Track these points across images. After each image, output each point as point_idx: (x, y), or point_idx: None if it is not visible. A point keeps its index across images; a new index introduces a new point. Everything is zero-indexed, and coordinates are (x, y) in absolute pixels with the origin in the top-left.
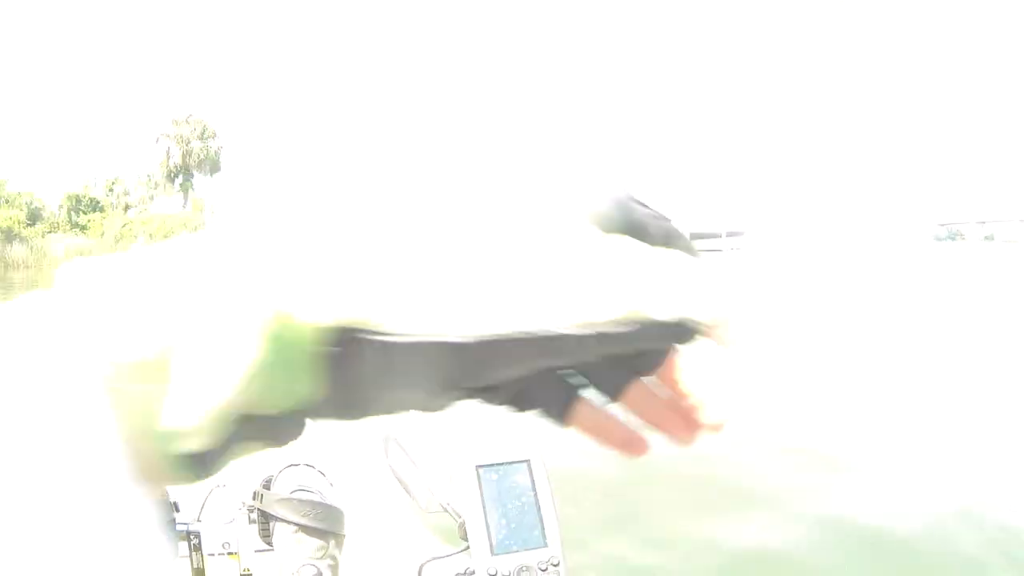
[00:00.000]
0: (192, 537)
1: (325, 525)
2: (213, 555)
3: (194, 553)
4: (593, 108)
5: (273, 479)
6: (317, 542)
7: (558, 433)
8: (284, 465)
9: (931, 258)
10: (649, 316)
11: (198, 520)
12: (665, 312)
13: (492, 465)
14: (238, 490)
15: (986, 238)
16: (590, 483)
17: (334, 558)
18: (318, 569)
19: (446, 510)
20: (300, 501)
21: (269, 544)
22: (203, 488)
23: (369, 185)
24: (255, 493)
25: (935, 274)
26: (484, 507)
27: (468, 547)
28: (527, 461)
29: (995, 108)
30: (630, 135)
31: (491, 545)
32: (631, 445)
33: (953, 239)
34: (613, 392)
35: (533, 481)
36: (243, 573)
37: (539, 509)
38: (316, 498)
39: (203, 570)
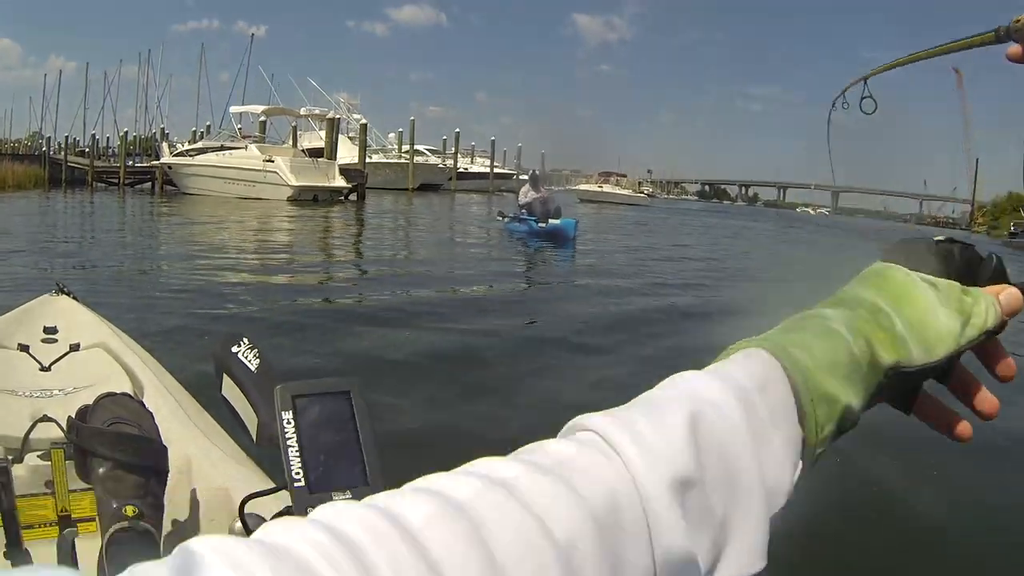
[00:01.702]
0: (0, 476)
1: (145, 460)
2: (26, 496)
3: (3, 492)
4: None
5: (90, 410)
6: (137, 479)
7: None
8: (101, 395)
9: None
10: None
11: (19, 458)
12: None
13: (309, 395)
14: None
15: None
16: None
17: (155, 496)
18: (138, 508)
19: (275, 444)
20: (117, 434)
21: (88, 481)
22: (24, 421)
23: None
24: (71, 426)
25: None
26: (301, 441)
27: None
28: (347, 392)
29: None
30: None
31: (309, 483)
32: (959, 431)
33: None
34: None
35: (354, 414)
36: (60, 513)
37: (360, 445)
38: (134, 431)
39: (14, 510)
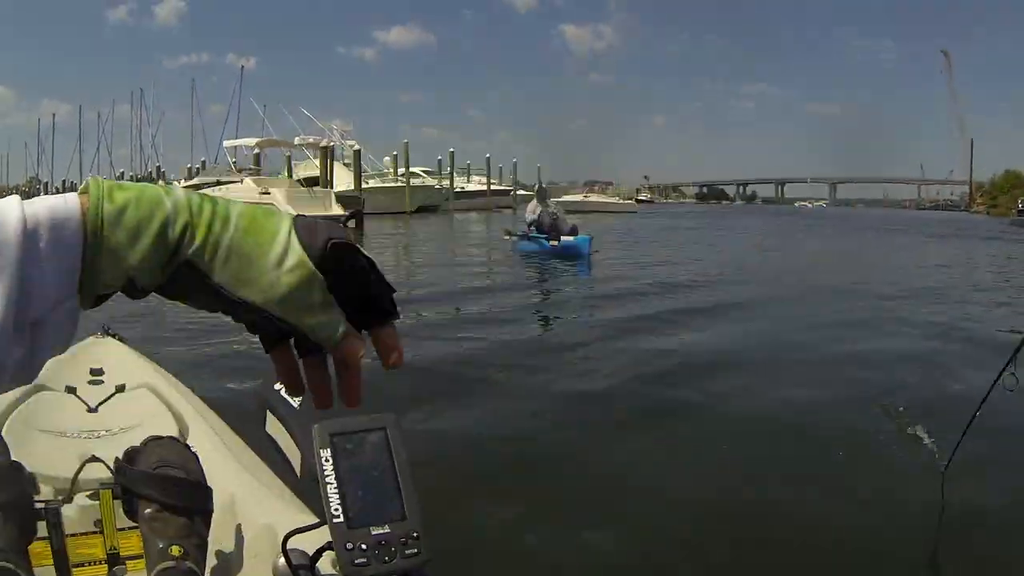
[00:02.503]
0: (51, 516)
1: (190, 503)
2: (76, 535)
3: (53, 532)
4: None
5: (136, 453)
6: (182, 520)
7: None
8: (147, 438)
9: None
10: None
11: (68, 499)
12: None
13: (346, 433)
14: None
15: None
16: None
17: (200, 536)
18: (183, 548)
19: (317, 480)
20: (164, 477)
21: (135, 521)
22: (73, 462)
23: None
24: (118, 467)
25: None
26: (340, 478)
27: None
28: (383, 428)
29: None
30: None
31: (348, 518)
32: (320, 396)
33: None
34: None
35: (391, 449)
36: (109, 552)
37: (397, 479)
38: (180, 474)
39: (64, 550)
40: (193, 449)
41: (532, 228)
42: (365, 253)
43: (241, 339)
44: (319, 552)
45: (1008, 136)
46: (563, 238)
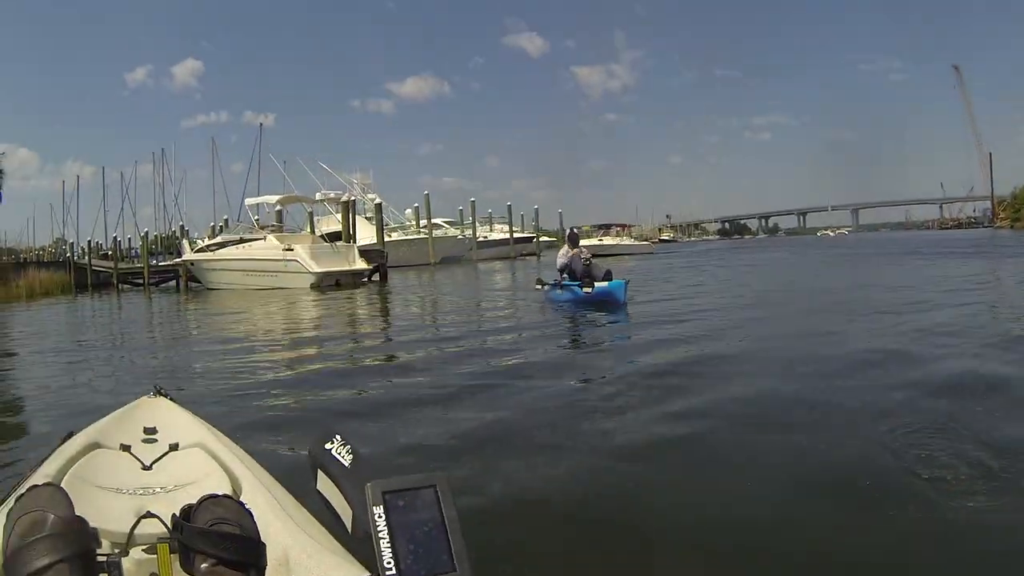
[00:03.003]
0: (113, 569)
1: (245, 558)
2: None
3: None
4: None
5: (193, 510)
6: (238, 574)
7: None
8: (203, 496)
9: None
10: None
11: (124, 552)
12: None
13: (398, 491)
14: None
15: None
16: None
17: None
18: None
19: (369, 535)
20: (219, 534)
21: (191, 575)
22: (129, 518)
23: None
24: (175, 524)
25: None
26: (392, 533)
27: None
28: (433, 486)
29: None
30: None
31: (400, 571)
32: None
33: None
34: None
35: (440, 505)
36: None
37: (447, 533)
38: (236, 531)
39: None
40: (247, 507)
41: (564, 275)
42: None
43: (290, 397)
44: None
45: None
46: (597, 284)
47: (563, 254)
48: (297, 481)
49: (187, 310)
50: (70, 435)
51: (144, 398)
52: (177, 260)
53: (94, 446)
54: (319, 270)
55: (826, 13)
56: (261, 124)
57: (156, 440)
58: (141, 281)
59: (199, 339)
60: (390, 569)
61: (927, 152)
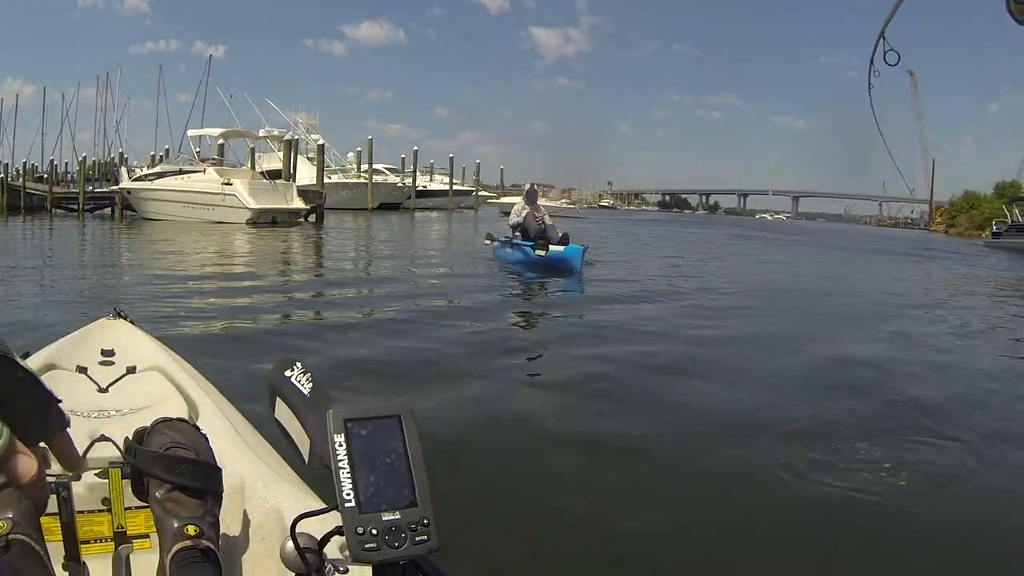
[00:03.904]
0: (62, 491)
1: (200, 483)
2: (83, 512)
3: (63, 507)
4: None
5: (146, 433)
6: (194, 501)
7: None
8: (157, 419)
9: None
10: None
11: (75, 476)
12: None
13: (361, 420)
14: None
15: None
16: None
17: (213, 516)
18: (199, 528)
19: (326, 465)
20: (175, 458)
21: (144, 500)
22: (82, 441)
23: None
24: (128, 447)
25: None
26: (352, 463)
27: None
28: (397, 416)
29: None
30: None
31: (359, 503)
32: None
33: None
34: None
35: (404, 437)
36: (116, 530)
37: (410, 466)
38: (191, 455)
39: (74, 525)
40: (203, 431)
41: (517, 234)
42: (23, 364)
43: (252, 322)
44: (327, 536)
45: (969, 157)
46: (552, 248)
47: (518, 211)
48: (256, 409)
49: (121, 238)
50: (26, 355)
51: (103, 319)
52: (114, 187)
53: (49, 367)
54: (256, 206)
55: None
56: (211, 56)
57: (113, 363)
58: (76, 207)
59: (130, 266)
60: (349, 501)
61: (874, 150)
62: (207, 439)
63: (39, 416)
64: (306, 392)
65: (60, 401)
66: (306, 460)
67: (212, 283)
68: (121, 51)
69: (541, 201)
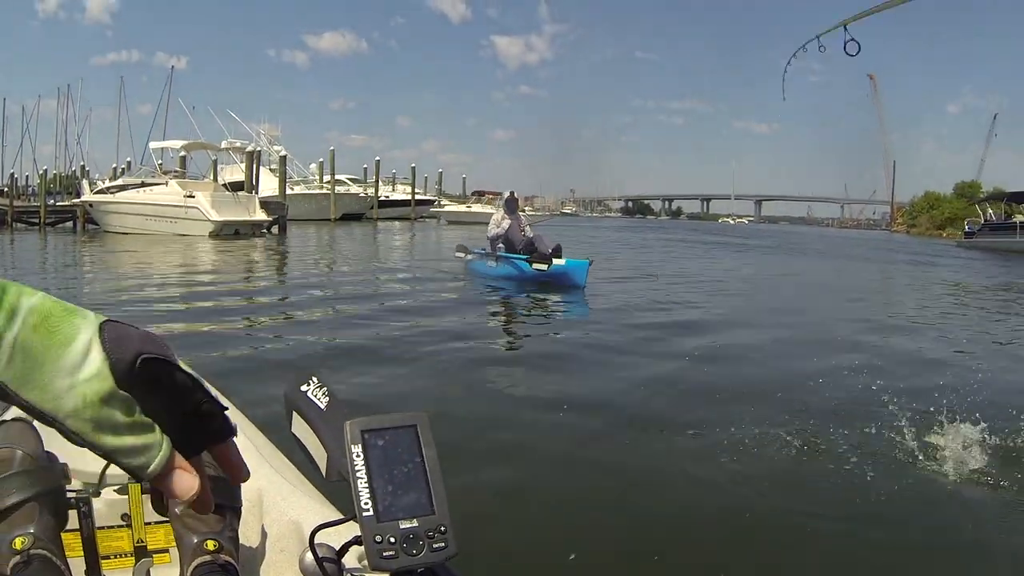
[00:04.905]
0: (82, 506)
1: (220, 499)
2: (103, 528)
3: (84, 522)
4: None
5: None
6: (214, 516)
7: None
8: None
9: None
10: None
11: (95, 492)
12: None
13: (377, 430)
14: None
15: None
16: None
17: (233, 530)
18: (218, 542)
19: (344, 478)
20: None
21: (163, 515)
22: (97, 458)
23: None
24: None
25: None
26: (370, 473)
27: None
28: (414, 426)
29: None
30: None
31: (377, 512)
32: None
33: None
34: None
35: (420, 446)
36: (136, 545)
37: (426, 475)
38: (210, 471)
39: (94, 540)
40: None
41: (500, 245)
42: (187, 370)
43: (270, 342)
44: (346, 546)
45: (929, 158)
46: (555, 261)
47: (497, 222)
48: (273, 424)
49: (83, 251)
50: None
51: None
52: (76, 200)
53: None
54: (219, 218)
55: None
56: (172, 67)
57: None
58: (37, 220)
59: (95, 279)
60: (367, 510)
61: (836, 153)
62: None
63: (203, 426)
64: (323, 406)
65: (227, 409)
66: (324, 473)
67: (177, 294)
68: (82, 62)
69: (484, 207)
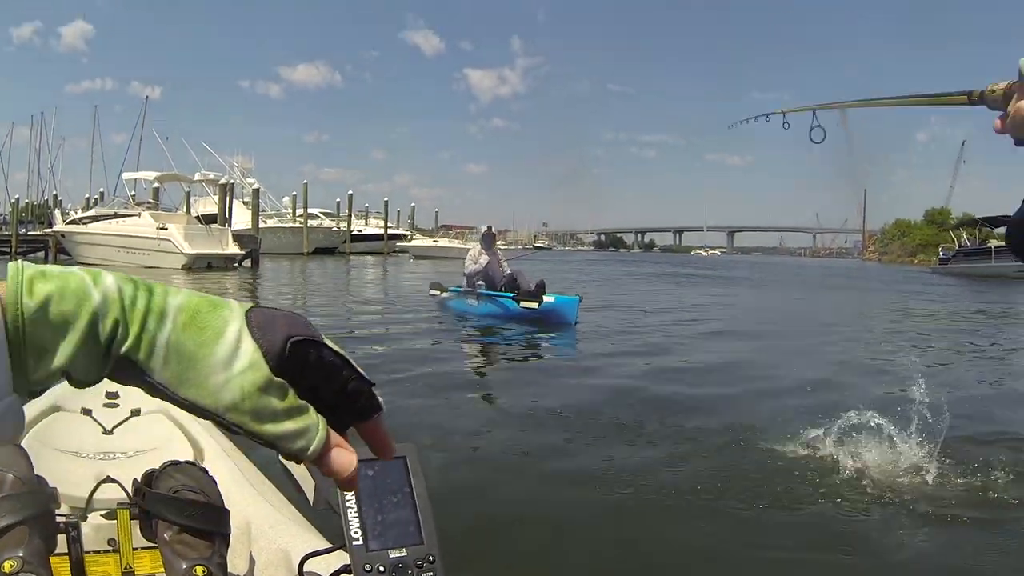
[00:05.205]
0: (71, 530)
1: (209, 525)
2: (90, 552)
3: (73, 547)
4: None
5: (155, 476)
6: (203, 542)
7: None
8: (166, 462)
9: None
10: None
11: (83, 517)
12: None
13: (367, 461)
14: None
15: None
16: None
17: (221, 556)
18: (207, 569)
19: (332, 508)
20: (183, 501)
21: (152, 541)
22: (88, 482)
23: None
24: (137, 489)
25: None
26: (359, 503)
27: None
28: (403, 458)
29: None
30: None
31: (367, 541)
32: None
33: None
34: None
35: (409, 477)
36: (124, 570)
37: (415, 505)
38: (201, 498)
39: (82, 564)
40: (210, 473)
41: (479, 283)
42: (333, 346)
43: None
44: (335, 575)
45: (899, 186)
46: (546, 299)
47: (473, 258)
48: (260, 452)
49: None
50: None
51: None
52: (48, 230)
53: (54, 408)
54: (191, 251)
55: (723, 40)
56: (147, 97)
57: (118, 405)
58: (8, 250)
59: None
60: (356, 539)
61: (806, 181)
62: (215, 481)
63: (351, 403)
64: None
65: (374, 385)
66: (312, 502)
67: None
68: (57, 90)
69: (451, 242)
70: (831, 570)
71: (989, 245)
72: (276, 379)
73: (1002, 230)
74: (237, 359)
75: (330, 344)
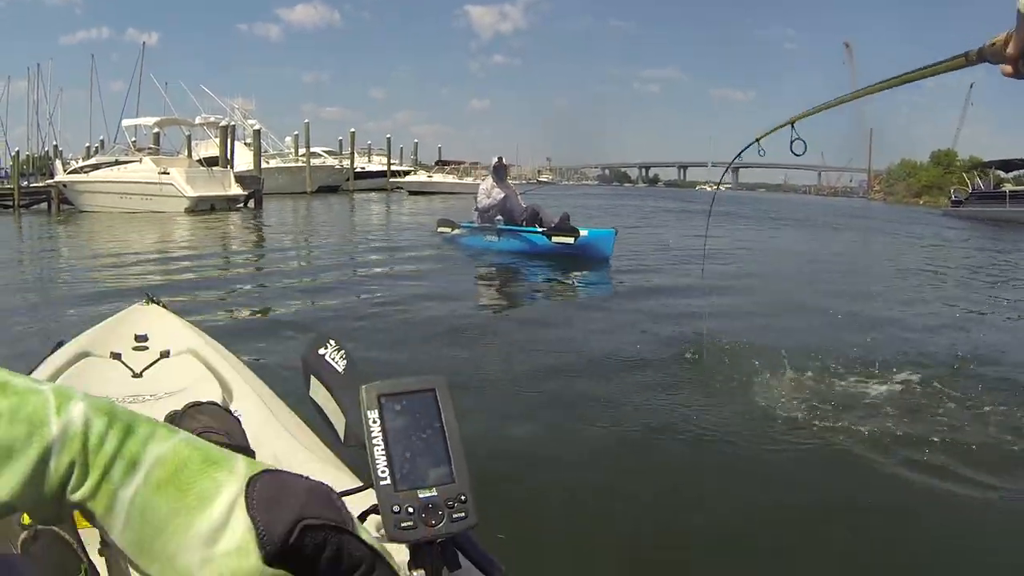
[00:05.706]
0: None
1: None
2: None
3: None
4: None
5: (177, 417)
6: None
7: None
8: (188, 403)
9: None
10: None
11: None
12: None
13: (395, 395)
14: None
15: None
16: None
17: None
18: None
19: (362, 444)
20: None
21: None
22: None
23: None
24: None
25: None
26: (387, 440)
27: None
28: (432, 390)
29: None
30: None
31: (395, 480)
32: None
33: None
34: None
35: (439, 411)
36: None
37: (445, 442)
38: (223, 438)
39: None
40: (236, 413)
41: (499, 218)
42: (367, 537)
43: (286, 305)
44: (363, 515)
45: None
46: (582, 232)
47: (487, 191)
48: (292, 390)
49: (59, 231)
50: (59, 344)
51: (136, 305)
52: (50, 181)
53: (84, 355)
54: (194, 194)
55: None
56: (144, 43)
57: (147, 348)
58: (10, 203)
59: (67, 256)
60: (384, 478)
61: (812, 121)
62: (239, 421)
63: None
64: (340, 369)
65: None
66: (342, 438)
67: (157, 269)
68: (52, 42)
69: (445, 177)
70: None
71: (1003, 189)
72: (270, 571)
73: (1013, 173)
74: (223, 537)
75: (361, 534)
